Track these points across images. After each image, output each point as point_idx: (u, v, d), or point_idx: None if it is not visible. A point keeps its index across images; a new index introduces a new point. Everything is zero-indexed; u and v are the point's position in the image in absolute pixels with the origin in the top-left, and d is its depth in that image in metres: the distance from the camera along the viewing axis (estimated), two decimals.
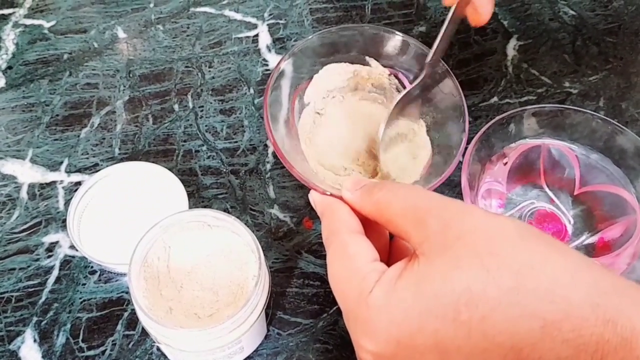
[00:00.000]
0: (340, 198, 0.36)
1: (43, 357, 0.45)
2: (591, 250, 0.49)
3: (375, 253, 0.32)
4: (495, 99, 0.60)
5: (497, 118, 0.50)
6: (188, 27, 0.65)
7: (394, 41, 0.48)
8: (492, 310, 0.26)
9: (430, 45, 0.46)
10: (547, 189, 0.51)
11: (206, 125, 0.58)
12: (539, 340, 0.25)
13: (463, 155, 0.44)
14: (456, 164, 0.43)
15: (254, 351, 0.45)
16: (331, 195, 0.37)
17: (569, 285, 0.25)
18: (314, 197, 0.37)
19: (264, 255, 0.41)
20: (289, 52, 0.46)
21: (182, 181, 0.50)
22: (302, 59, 0.47)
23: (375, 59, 0.49)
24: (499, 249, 0.27)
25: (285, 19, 0.66)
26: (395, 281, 0.29)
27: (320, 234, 0.36)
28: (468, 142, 0.49)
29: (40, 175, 0.54)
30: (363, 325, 0.29)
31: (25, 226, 0.51)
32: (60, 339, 0.46)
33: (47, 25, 0.65)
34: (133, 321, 0.47)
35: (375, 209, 0.33)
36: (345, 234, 0.33)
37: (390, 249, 0.37)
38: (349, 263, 0.32)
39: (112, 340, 0.46)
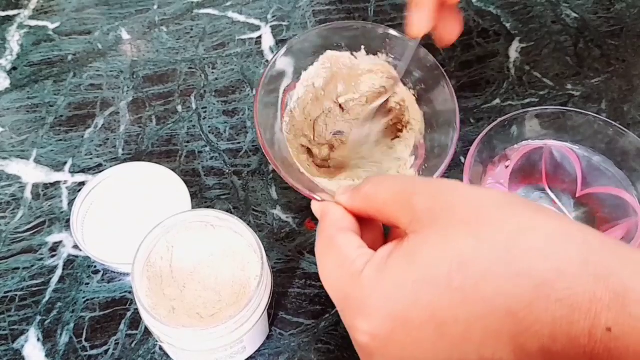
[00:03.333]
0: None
1: (46, 356, 0.45)
2: None
3: (363, 242, 0.32)
4: (497, 101, 0.61)
5: (499, 120, 0.50)
6: (191, 29, 0.65)
7: (390, 38, 0.49)
8: (484, 274, 0.25)
9: (428, 48, 0.47)
10: (549, 191, 0.51)
11: (209, 126, 0.58)
12: (534, 300, 0.24)
13: (454, 157, 0.44)
14: (447, 165, 0.43)
15: (256, 351, 0.46)
16: (322, 200, 0.37)
17: (560, 245, 0.25)
18: (313, 206, 0.38)
19: (266, 255, 0.41)
20: (277, 54, 0.46)
21: (185, 182, 0.51)
22: (292, 60, 0.48)
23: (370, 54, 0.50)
24: (486, 216, 0.27)
25: (289, 21, 0.66)
26: (386, 259, 0.29)
27: None
28: (470, 144, 0.49)
29: (44, 175, 0.54)
30: (357, 304, 0.29)
31: (29, 226, 0.52)
32: (64, 338, 0.46)
33: (51, 26, 0.65)
34: (136, 321, 0.47)
35: (365, 202, 0.33)
36: (332, 230, 0.33)
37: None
38: (337, 252, 0.32)
39: (115, 340, 0.46)
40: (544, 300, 0.24)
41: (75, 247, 0.50)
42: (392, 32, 0.48)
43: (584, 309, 0.24)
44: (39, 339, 0.46)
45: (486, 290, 0.25)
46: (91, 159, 0.56)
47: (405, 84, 0.49)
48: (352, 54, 0.50)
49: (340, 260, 0.31)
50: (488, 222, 0.27)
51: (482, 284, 0.25)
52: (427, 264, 0.27)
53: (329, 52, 0.49)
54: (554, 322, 0.24)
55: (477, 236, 0.26)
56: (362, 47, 0.49)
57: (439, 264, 0.27)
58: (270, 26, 0.66)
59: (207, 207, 0.53)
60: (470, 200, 0.28)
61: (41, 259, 0.50)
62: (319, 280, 0.49)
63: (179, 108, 0.59)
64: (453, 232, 0.27)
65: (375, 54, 0.50)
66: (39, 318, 0.47)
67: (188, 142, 0.57)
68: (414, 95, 0.49)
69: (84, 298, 0.48)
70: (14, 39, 0.64)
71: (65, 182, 0.54)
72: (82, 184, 0.54)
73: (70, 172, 0.55)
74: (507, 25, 0.67)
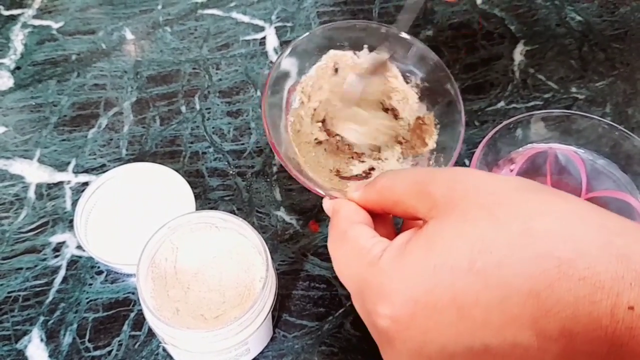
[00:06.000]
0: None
1: (50, 356, 0.45)
2: None
3: (376, 233, 0.32)
4: (501, 103, 0.60)
5: (505, 123, 0.50)
6: (196, 29, 0.65)
7: (396, 39, 0.49)
8: (506, 255, 0.25)
9: (435, 50, 0.47)
10: None
11: (213, 127, 0.58)
12: (555, 280, 0.24)
13: (458, 159, 0.44)
14: (452, 165, 0.43)
15: (260, 353, 0.45)
16: (332, 197, 0.37)
17: (580, 226, 0.25)
18: (325, 203, 0.38)
19: (271, 257, 0.41)
20: (282, 54, 0.46)
21: (189, 182, 0.51)
22: (296, 60, 0.48)
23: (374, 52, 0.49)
24: (505, 200, 0.27)
25: (293, 22, 0.66)
26: (405, 245, 0.29)
27: (327, 237, 0.36)
28: (474, 147, 0.49)
29: (47, 175, 0.54)
30: (377, 289, 0.29)
31: (32, 226, 0.51)
32: (67, 339, 0.46)
33: (55, 26, 0.65)
34: (139, 322, 0.47)
35: (380, 196, 0.33)
36: (344, 224, 0.33)
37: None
38: (351, 243, 0.32)
39: (119, 341, 0.46)
40: (566, 280, 0.24)
41: (79, 247, 0.50)
42: (394, 31, 0.48)
43: (606, 287, 0.23)
44: (42, 340, 0.46)
45: (507, 272, 0.25)
46: (95, 159, 0.56)
47: (407, 82, 0.49)
48: (354, 53, 0.50)
49: (356, 250, 0.31)
50: (506, 205, 0.27)
51: (503, 265, 0.25)
52: (448, 247, 0.27)
53: (331, 51, 0.49)
54: (576, 302, 0.24)
55: (496, 219, 0.26)
56: (365, 46, 0.49)
57: (459, 247, 0.27)
58: (275, 27, 0.66)
59: (211, 208, 0.53)
60: (487, 186, 0.28)
61: (44, 259, 0.50)
62: (323, 283, 0.50)
63: (183, 109, 0.59)
64: (472, 216, 0.27)
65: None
66: (42, 318, 0.47)
67: (192, 142, 0.57)
68: (417, 94, 0.49)
69: (87, 299, 0.48)
70: (18, 38, 0.64)
71: (69, 182, 0.54)
72: (86, 184, 0.54)
73: (74, 172, 0.55)
74: (512, 27, 0.66)
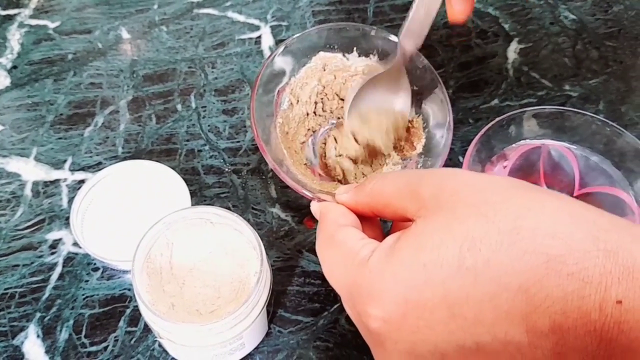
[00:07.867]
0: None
1: (46, 352, 0.46)
2: None
3: (364, 235, 0.32)
4: (496, 101, 0.61)
5: (497, 119, 0.50)
6: (191, 29, 0.66)
7: (386, 42, 0.49)
8: (495, 252, 0.26)
9: (430, 48, 0.47)
10: None
11: (209, 125, 0.58)
12: (544, 276, 0.24)
13: (451, 156, 0.45)
14: (440, 166, 0.43)
15: (255, 348, 0.46)
16: (320, 199, 0.38)
17: (569, 223, 0.26)
18: (312, 206, 0.38)
19: (266, 253, 0.42)
20: (272, 54, 0.47)
21: (185, 180, 0.51)
22: (286, 61, 0.48)
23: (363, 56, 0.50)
24: (493, 198, 0.27)
25: (288, 21, 0.66)
26: (394, 245, 0.29)
27: None
28: (468, 144, 0.49)
29: (44, 173, 0.55)
30: (367, 290, 0.29)
31: (29, 223, 0.52)
32: (63, 335, 0.46)
33: (52, 25, 0.65)
34: (135, 318, 0.47)
35: (370, 198, 0.33)
36: (332, 227, 0.33)
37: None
38: (339, 246, 0.32)
39: (115, 337, 0.46)
40: (555, 275, 0.24)
41: (75, 244, 0.50)
42: (384, 34, 0.49)
43: (594, 282, 0.24)
44: (38, 336, 0.46)
45: (497, 268, 0.25)
46: (91, 157, 0.56)
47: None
48: (344, 55, 0.50)
49: (344, 252, 0.31)
50: (494, 203, 0.27)
51: (492, 262, 0.26)
52: (437, 245, 0.27)
53: (321, 53, 0.50)
54: (565, 297, 0.24)
55: (485, 217, 0.27)
56: (355, 48, 0.50)
57: (449, 245, 0.27)
58: (270, 26, 0.66)
59: (207, 205, 0.53)
60: (475, 185, 0.29)
61: (41, 256, 0.50)
62: (318, 278, 0.50)
63: (179, 107, 0.59)
64: (461, 214, 0.27)
65: (367, 55, 0.50)
66: (38, 315, 0.47)
67: (187, 140, 0.57)
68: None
69: (83, 295, 0.48)
70: (15, 37, 0.64)
71: (65, 179, 0.54)
72: (82, 181, 0.54)
73: (70, 170, 0.55)
74: (506, 26, 0.67)
